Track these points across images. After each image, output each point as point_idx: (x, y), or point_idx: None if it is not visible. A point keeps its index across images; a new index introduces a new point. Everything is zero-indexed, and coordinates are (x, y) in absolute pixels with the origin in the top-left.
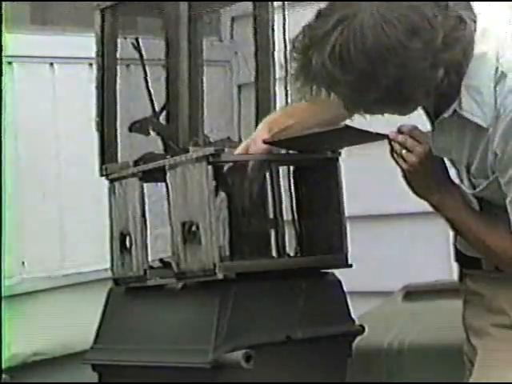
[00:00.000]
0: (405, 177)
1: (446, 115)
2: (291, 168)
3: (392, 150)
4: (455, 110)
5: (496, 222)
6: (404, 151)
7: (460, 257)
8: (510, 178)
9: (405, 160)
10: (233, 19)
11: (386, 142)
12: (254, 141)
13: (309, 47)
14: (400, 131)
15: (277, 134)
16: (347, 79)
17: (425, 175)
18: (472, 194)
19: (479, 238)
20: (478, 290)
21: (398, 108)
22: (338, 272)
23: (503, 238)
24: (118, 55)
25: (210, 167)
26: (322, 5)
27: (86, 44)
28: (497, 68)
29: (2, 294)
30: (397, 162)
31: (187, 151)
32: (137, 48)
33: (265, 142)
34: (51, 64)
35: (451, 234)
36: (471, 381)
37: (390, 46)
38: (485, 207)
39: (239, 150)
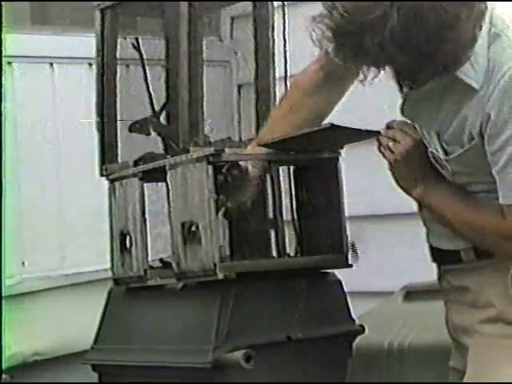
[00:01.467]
0: (391, 169)
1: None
2: (291, 168)
3: (380, 145)
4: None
5: (483, 202)
6: (391, 143)
7: (437, 254)
8: (500, 146)
9: (392, 151)
10: (233, 19)
11: None
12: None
13: (361, 30)
14: (390, 127)
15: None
16: (405, 58)
17: (410, 166)
18: (446, 161)
19: (467, 220)
20: (462, 284)
21: (442, 75)
22: (337, 272)
23: (492, 215)
24: (117, 55)
25: (210, 167)
26: (322, 5)
27: (86, 44)
28: (490, 29)
29: (2, 294)
30: (384, 156)
31: (187, 151)
32: (137, 48)
33: (259, 144)
34: (51, 64)
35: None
36: (465, 380)
37: (449, 21)
38: (459, 180)
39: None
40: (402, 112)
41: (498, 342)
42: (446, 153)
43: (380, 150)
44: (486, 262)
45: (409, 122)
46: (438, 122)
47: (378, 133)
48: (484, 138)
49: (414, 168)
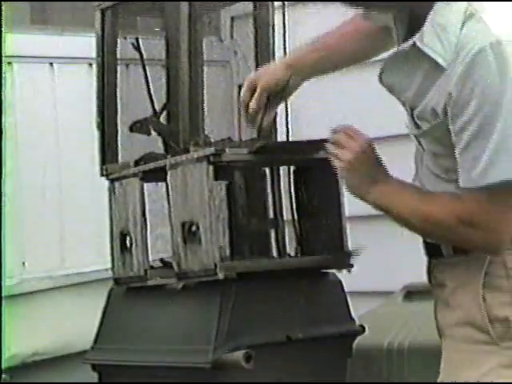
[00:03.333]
0: (341, 177)
1: (405, 46)
2: (291, 168)
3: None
4: (415, 44)
5: (439, 193)
6: (338, 150)
7: (426, 247)
8: (461, 127)
9: (340, 159)
10: (233, 19)
11: (385, 142)
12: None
13: None
14: (334, 131)
15: (299, 68)
16: None
17: (361, 171)
18: (415, 136)
19: (424, 213)
20: (443, 280)
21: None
22: (337, 272)
23: (449, 202)
24: (118, 55)
25: (210, 167)
26: (322, 5)
27: (86, 44)
28: (467, 8)
29: (2, 294)
30: (335, 165)
31: (188, 151)
32: (137, 48)
33: (251, 152)
34: (51, 64)
35: None
36: (439, 381)
37: None
38: (438, 163)
39: (244, 88)
40: (380, 80)
41: (464, 345)
42: (418, 128)
43: (332, 159)
44: (461, 258)
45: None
46: (411, 96)
47: (326, 141)
48: (448, 116)
49: (365, 171)
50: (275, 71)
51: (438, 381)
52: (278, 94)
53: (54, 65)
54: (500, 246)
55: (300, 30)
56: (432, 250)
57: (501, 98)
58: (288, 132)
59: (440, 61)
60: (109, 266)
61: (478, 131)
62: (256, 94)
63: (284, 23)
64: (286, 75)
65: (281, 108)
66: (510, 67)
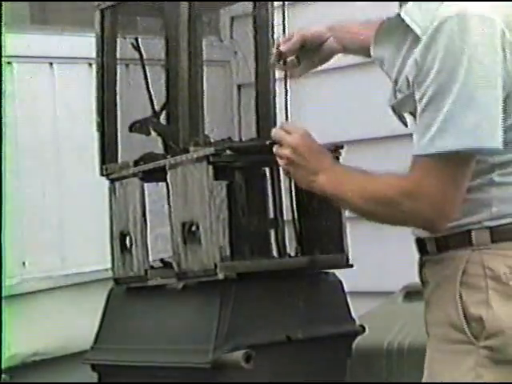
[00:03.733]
0: (286, 174)
1: (391, 17)
2: None
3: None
4: (399, 15)
5: (383, 173)
6: (277, 148)
7: (417, 244)
8: (421, 94)
9: (281, 156)
10: (232, 19)
11: (385, 142)
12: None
13: None
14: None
15: (340, 35)
16: None
17: (302, 164)
18: (393, 110)
19: (370, 193)
20: (427, 278)
21: None
22: (338, 272)
23: (394, 178)
24: (117, 55)
25: (210, 167)
26: (322, 5)
27: (86, 44)
28: None
29: (2, 294)
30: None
31: (188, 151)
32: (137, 48)
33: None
34: (51, 64)
35: None
36: (423, 381)
37: None
38: None
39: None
40: (373, 53)
41: (444, 345)
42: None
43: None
44: (442, 256)
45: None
46: (396, 69)
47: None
48: (414, 86)
49: (306, 163)
50: (316, 27)
51: (422, 381)
52: (313, 50)
53: (54, 65)
54: (442, 221)
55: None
56: (421, 247)
57: (457, 68)
58: None
59: (416, 29)
60: (109, 266)
61: (432, 98)
62: (290, 38)
63: (284, 23)
64: (326, 34)
65: (280, 108)
66: (473, 39)
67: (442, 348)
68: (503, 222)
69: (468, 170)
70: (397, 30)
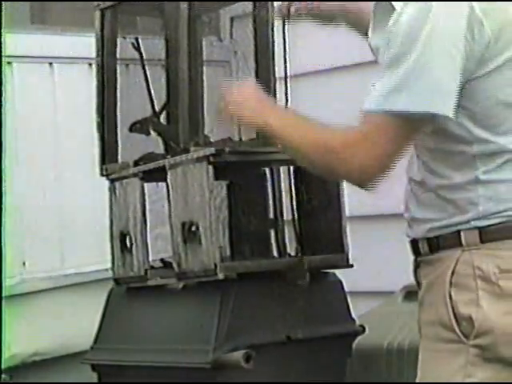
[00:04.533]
0: (237, 119)
1: (381, 2)
2: (291, 168)
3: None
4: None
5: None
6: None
7: (411, 245)
8: (385, 60)
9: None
10: (232, 19)
11: None
12: None
13: None
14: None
15: None
16: None
17: (248, 106)
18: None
19: (312, 137)
20: (420, 279)
21: None
22: (338, 272)
23: (340, 130)
24: (117, 55)
25: (210, 167)
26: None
27: (86, 44)
28: None
29: (2, 294)
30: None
31: (188, 151)
32: (137, 48)
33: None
34: (51, 64)
35: None
36: (417, 381)
37: None
38: None
39: None
40: (370, 41)
41: (435, 345)
42: None
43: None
44: (433, 257)
45: None
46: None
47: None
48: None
49: (253, 105)
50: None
51: (416, 381)
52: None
53: (54, 65)
54: (372, 177)
55: (300, 30)
56: (414, 249)
57: (418, 36)
58: None
59: (397, 7)
60: (109, 265)
61: (392, 62)
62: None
63: (284, 23)
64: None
65: None
66: (437, 10)
67: (433, 347)
68: (492, 222)
69: (414, 135)
70: (386, 17)
